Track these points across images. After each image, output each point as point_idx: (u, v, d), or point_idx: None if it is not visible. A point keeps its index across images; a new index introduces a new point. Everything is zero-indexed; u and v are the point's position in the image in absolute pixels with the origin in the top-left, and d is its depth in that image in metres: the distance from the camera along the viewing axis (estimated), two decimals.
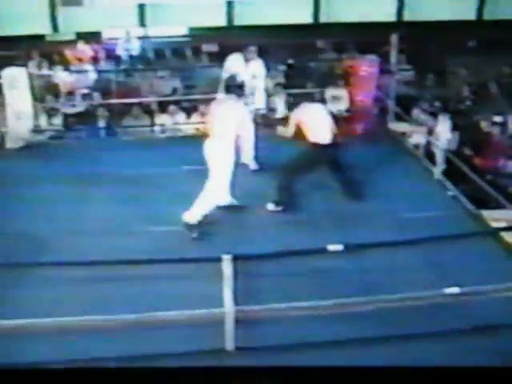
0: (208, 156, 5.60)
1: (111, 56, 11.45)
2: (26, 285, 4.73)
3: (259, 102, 6.91)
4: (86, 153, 7.76)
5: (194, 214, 5.57)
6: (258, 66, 6.78)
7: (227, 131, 5.51)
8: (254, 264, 4.94)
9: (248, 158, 6.80)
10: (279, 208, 6.08)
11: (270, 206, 6.09)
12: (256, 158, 6.87)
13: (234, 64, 6.71)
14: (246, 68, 6.68)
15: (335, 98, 9.53)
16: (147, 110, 9.67)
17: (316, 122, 6.05)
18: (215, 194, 5.60)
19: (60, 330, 4.16)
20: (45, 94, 9.33)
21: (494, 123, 8.76)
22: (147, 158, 7.43)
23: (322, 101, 6.58)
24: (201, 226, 5.59)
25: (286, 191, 6.10)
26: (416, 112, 9.51)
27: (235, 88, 5.68)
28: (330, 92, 9.60)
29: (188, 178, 6.75)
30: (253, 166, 6.86)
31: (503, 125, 8.85)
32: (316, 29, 11.89)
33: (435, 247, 5.05)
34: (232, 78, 5.89)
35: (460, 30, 11.26)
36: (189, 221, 5.58)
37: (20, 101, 7.83)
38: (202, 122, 8.85)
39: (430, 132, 8.20)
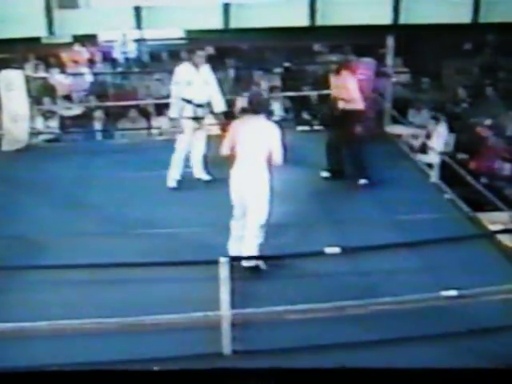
0: (244, 185, 4.93)
1: (107, 58, 11.44)
2: (22, 287, 4.71)
3: (220, 105, 6.64)
4: (82, 155, 7.76)
5: (250, 248, 5.00)
6: (207, 70, 6.55)
7: (261, 152, 4.92)
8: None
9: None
10: (367, 181, 6.68)
11: (362, 181, 6.67)
12: None
13: (186, 72, 6.46)
14: (198, 74, 6.45)
15: None
16: (144, 113, 9.66)
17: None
18: (262, 224, 5.00)
19: (55, 333, 4.15)
20: (41, 96, 9.31)
21: (490, 126, 8.77)
22: (144, 160, 7.43)
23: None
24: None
25: (361, 165, 6.74)
26: (411, 114, 9.53)
27: (263, 106, 5.26)
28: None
29: (185, 180, 6.74)
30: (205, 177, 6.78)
31: (499, 127, 8.87)
32: (312, 31, 11.89)
33: (432, 250, 5.06)
34: (256, 95, 5.84)
35: (456, 33, 11.28)
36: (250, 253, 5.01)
37: (16, 103, 7.82)
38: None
39: (428, 136, 8.25)
